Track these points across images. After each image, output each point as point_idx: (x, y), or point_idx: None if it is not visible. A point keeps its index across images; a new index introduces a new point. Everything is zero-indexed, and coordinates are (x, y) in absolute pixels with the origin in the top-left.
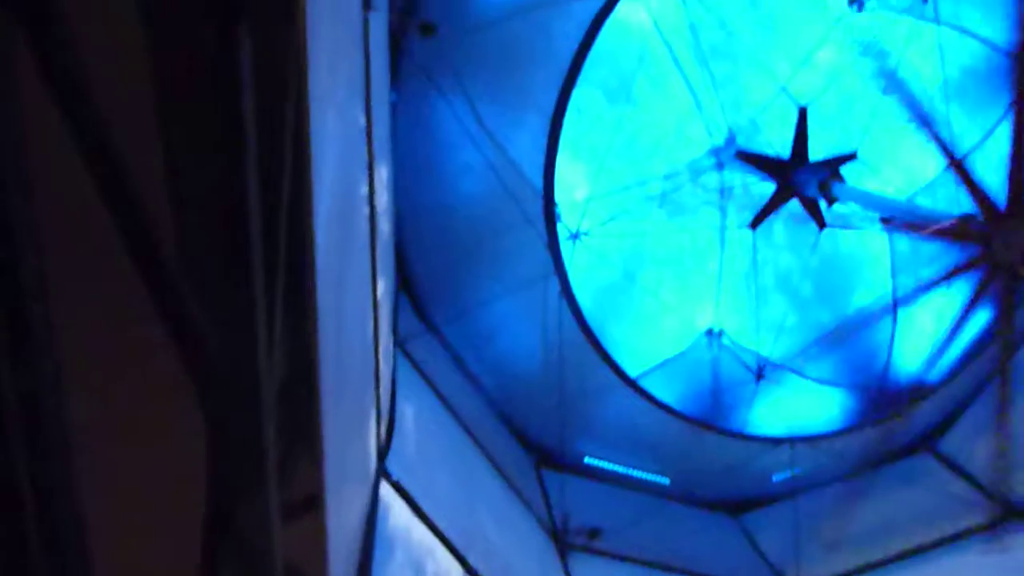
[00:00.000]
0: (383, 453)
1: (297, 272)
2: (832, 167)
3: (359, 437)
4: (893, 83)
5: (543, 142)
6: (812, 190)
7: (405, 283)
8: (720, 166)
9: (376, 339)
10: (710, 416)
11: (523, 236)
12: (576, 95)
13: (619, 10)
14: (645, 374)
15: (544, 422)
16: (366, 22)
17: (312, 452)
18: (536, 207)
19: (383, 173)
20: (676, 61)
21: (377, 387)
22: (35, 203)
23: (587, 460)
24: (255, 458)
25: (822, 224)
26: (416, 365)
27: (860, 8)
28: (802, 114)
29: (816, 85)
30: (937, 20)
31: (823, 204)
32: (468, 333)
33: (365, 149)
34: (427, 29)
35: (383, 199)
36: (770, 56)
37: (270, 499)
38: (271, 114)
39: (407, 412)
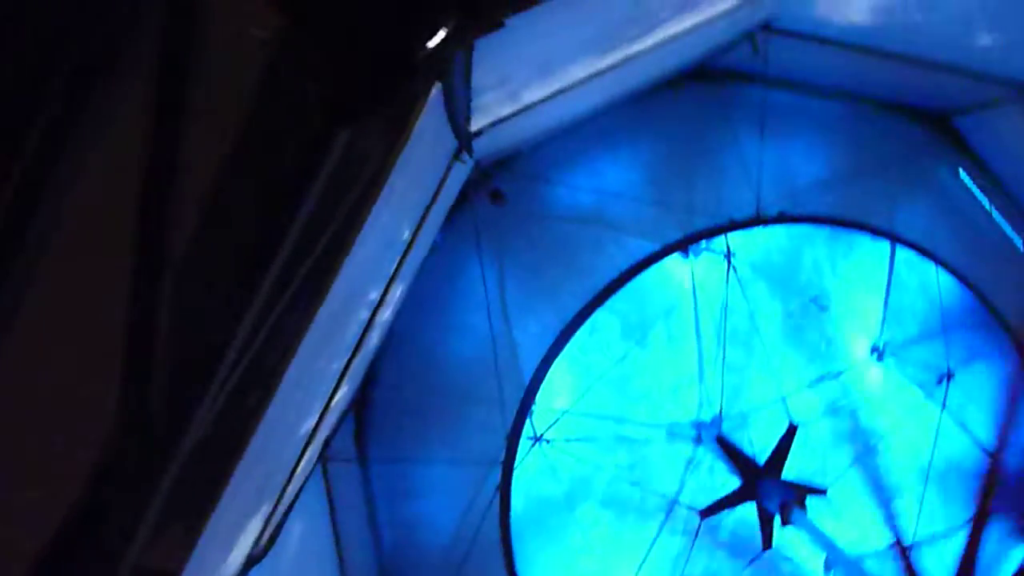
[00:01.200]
0: (253, 560)
1: (284, 337)
2: (800, 492)
3: (240, 533)
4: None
5: (548, 341)
6: (773, 506)
7: (359, 403)
8: (698, 440)
9: (309, 441)
10: None
11: (489, 416)
12: (596, 316)
13: (667, 262)
14: None
15: None
16: (450, 168)
17: (193, 525)
18: (515, 396)
19: (397, 291)
20: (698, 330)
21: (283, 491)
22: None
23: None
24: (141, 499)
25: (768, 544)
26: (328, 487)
27: (880, 358)
28: (790, 430)
29: (816, 410)
30: (944, 405)
31: (778, 523)
32: (393, 481)
33: (395, 262)
34: (496, 197)
35: (385, 314)
36: (783, 363)
37: (127, 555)
38: (335, 199)
39: (295, 529)
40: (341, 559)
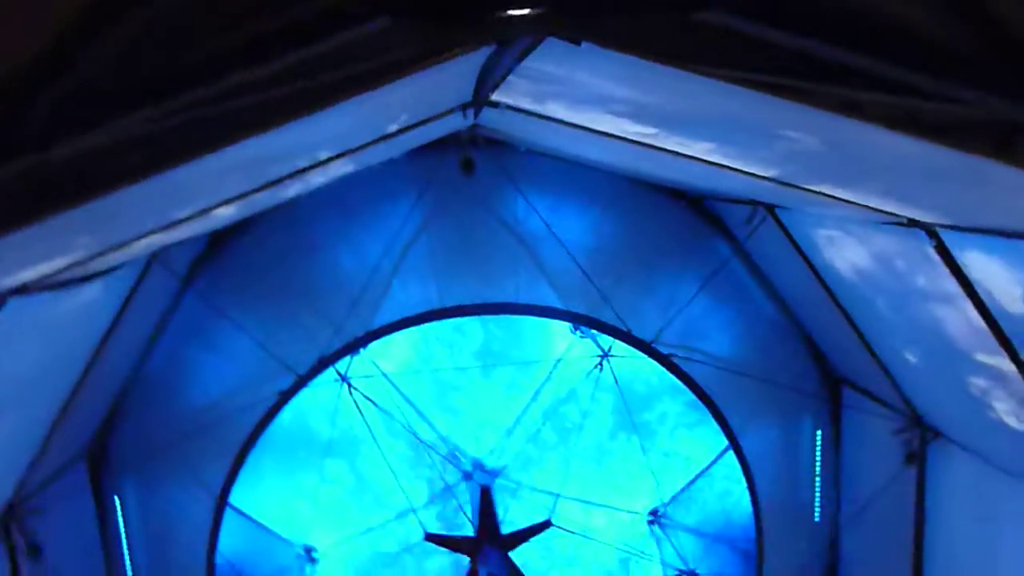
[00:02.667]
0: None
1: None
2: (525, 537)
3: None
4: None
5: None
6: (500, 569)
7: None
8: (467, 476)
9: None
10: None
11: (321, 328)
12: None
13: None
14: None
15: None
16: (451, 112)
17: None
18: (355, 330)
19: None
20: (537, 393)
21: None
22: None
23: None
24: None
25: None
26: None
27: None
28: (484, 492)
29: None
30: None
31: None
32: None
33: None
34: (467, 165)
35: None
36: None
37: None
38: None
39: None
40: None
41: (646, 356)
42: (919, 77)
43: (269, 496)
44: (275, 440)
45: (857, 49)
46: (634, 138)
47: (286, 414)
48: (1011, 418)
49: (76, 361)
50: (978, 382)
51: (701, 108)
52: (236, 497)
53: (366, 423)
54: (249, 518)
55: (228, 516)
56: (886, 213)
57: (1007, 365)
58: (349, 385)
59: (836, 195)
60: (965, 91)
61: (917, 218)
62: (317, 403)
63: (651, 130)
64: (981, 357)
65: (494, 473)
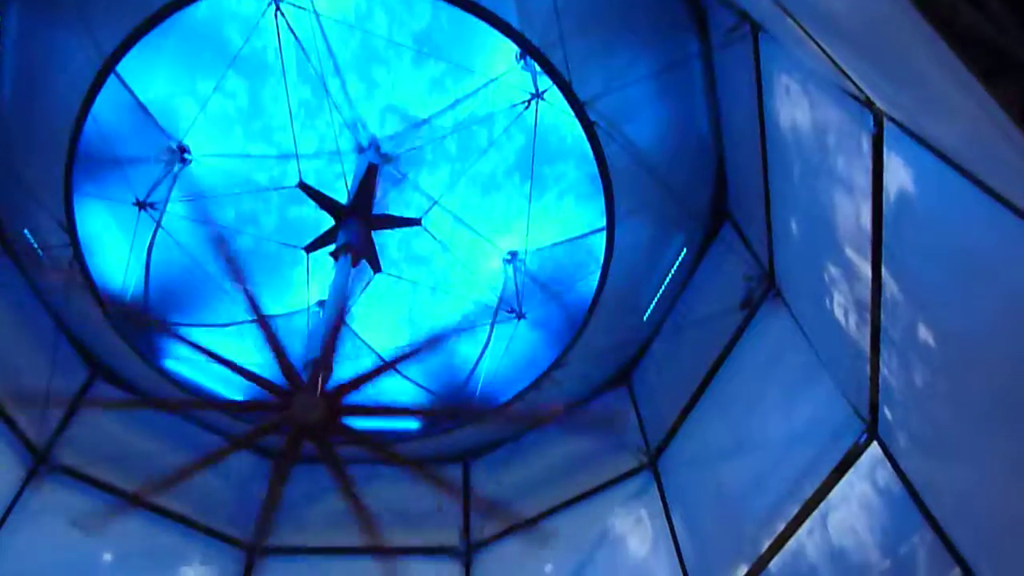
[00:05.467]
0: None
1: None
2: (392, 223)
3: None
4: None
5: None
6: (358, 242)
7: None
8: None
9: None
10: None
11: None
12: None
13: None
14: None
15: None
16: None
17: None
18: None
19: None
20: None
21: None
22: None
23: None
24: None
25: (377, 268)
26: None
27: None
28: (370, 168)
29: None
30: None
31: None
32: None
33: None
34: None
35: None
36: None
37: None
38: None
39: None
40: None
41: (573, 114)
42: None
43: (156, 83)
44: (183, 29)
45: None
46: None
47: (203, 8)
48: (840, 311)
49: None
50: (833, 271)
51: None
52: (124, 68)
53: (280, 51)
54: (133, 94)
55: (111, 84)
56: (852, 83)
57: (865, 270)
58: (278, 6)
59: (822, 45)
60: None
61: (875, 101)
62: (239, 13)
63: None
64: (849, 252)
65: (386, 158)
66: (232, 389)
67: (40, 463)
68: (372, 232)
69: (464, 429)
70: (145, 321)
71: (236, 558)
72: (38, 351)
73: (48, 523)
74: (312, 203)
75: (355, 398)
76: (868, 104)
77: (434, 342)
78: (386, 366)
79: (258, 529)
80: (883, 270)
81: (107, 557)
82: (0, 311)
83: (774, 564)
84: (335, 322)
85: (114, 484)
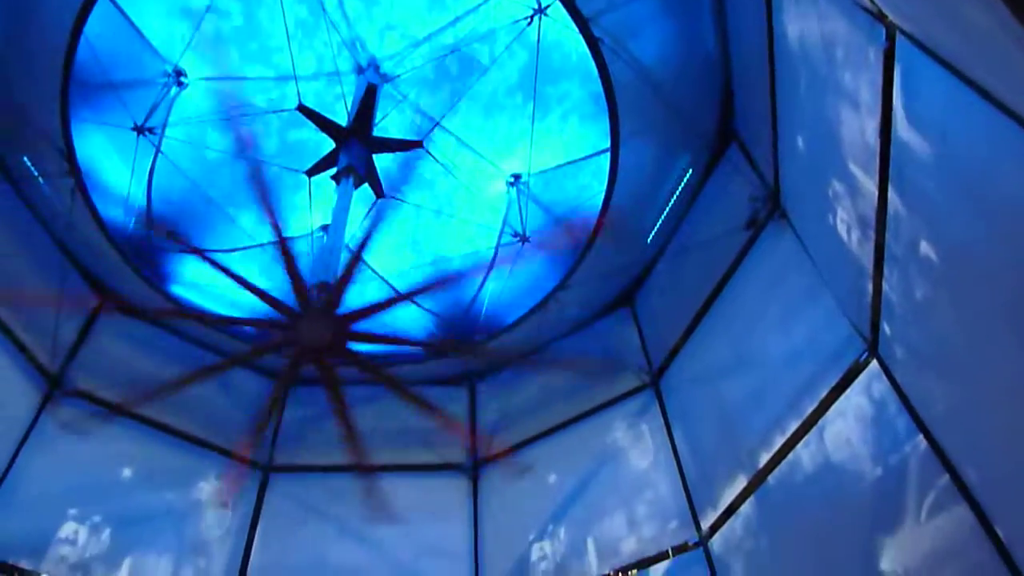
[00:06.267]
0: None
1: None
2: (393, 146)
3: None
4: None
5: None
6: (360, 165)
7: None
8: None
9: None
10: None
11: None
12: None
13: None
14: None
15: None
16: None
17: None
18: None
19: None
20: None
21: None
22: None
23: None
24: None
25: (379, 193)
26: None
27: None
28: (370, 89)
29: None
30: None
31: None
32: None
33: None
34: None
35: None
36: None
37: None
38: None
39: None
40: None
41: (577, 30)
42: None
43: (149, 5)
44: None
45: None
46: None
47: None
48: (843, 229)
49: None
50: (838, 188)
51: None
52: None
53: None
54: (126, 16)
55: (104, 6)
56: None
57: (870, 186)
58: None
59: None
60: None
61: (888, 14)
62: None
63: None
64: (854, 169)
65: (386, 78)
66: (240, 311)
67: (54, 388)
68: (374, 157)
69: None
70: (167, 236)
71: (250, 475)
72: (46, 280)
73: (65, 445)
74: (312, 126)
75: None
76: (880, 17)
77: (449, 280)
78: (400, 298)
79: (250, 441)
80: (889, 187)
81: (126, 473)
82: (5, 240)
83: (772, 477)
84: (353, 250)
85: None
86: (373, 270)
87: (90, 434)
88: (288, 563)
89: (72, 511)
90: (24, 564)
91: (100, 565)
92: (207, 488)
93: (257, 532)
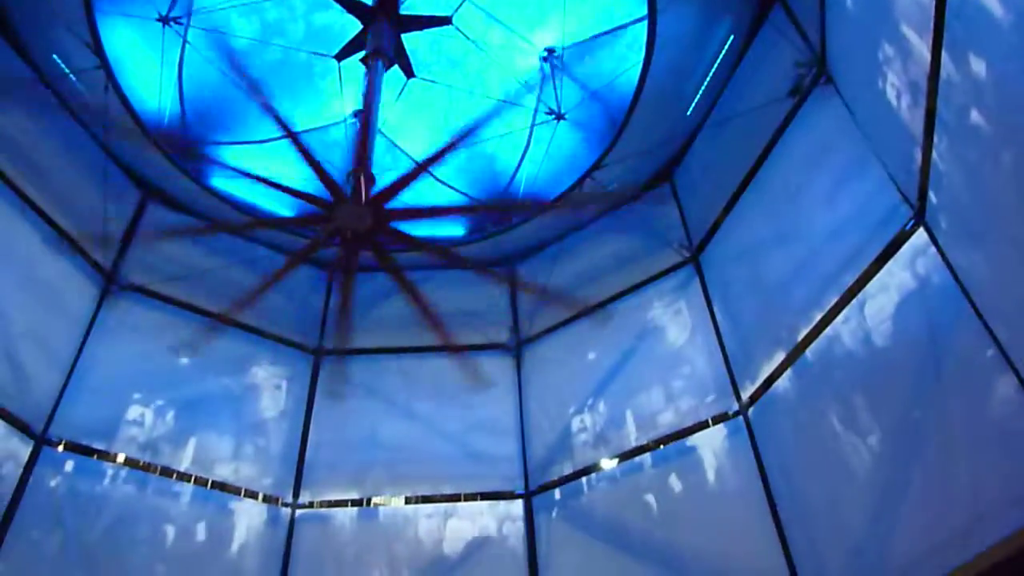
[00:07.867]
0: None
1: None
2: (422, 24)
3: None
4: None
5: None
6: (388, 45)
7: None
8: None
9: None
10: None
11: None
12: None
13: None
14: None
15: None
16: None
17: None
18: None
19: None
20: None
21: None
22: None
23: None
24: None
25: (410, 74)
26: None
27: None
28: None
29: None
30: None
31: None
32: None
33: None
34: None
35: None
36: None
37: None
38: None
39: None
40: None
41: None
42: None
43: None
44: None
45: None
46: None
47: None
48: (892, 94)
49: None
50: (888, 50)
51: None
52: None
53: None
54: None
55: None
56: None
57: (923, 51)
58: None
59: None
60: None
61: None
62: None
63: None
64: (906, 30)
65: None
66: (282, 200)
67: (110, 283)
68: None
69: (509, 233)
70: (184, 147)
71: (303, 359)
72: (90, 180)
73: (126, 336)
74: (338, 8)
75: (399, 205)
76: None
77: (465, 135)
78: (422, 166)
79: (339, 336)
80: (943, 51)
81: (184, 362)
82: (46, 141)
83: (810, 351)
84: (371, 130)
85: (179, 298)
86: (400, 148)
87: (148, 325)
88: (343, 439)
89: (137, 396)
90: (98, 445)
91: (167, 444)
92: (260, 373)
93: (313, 412)
